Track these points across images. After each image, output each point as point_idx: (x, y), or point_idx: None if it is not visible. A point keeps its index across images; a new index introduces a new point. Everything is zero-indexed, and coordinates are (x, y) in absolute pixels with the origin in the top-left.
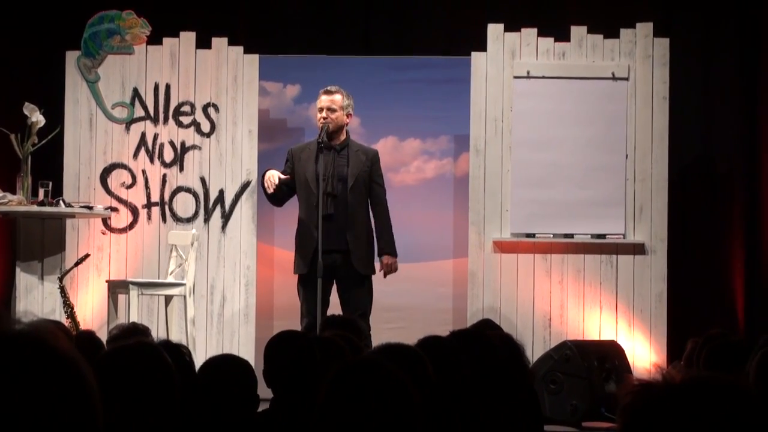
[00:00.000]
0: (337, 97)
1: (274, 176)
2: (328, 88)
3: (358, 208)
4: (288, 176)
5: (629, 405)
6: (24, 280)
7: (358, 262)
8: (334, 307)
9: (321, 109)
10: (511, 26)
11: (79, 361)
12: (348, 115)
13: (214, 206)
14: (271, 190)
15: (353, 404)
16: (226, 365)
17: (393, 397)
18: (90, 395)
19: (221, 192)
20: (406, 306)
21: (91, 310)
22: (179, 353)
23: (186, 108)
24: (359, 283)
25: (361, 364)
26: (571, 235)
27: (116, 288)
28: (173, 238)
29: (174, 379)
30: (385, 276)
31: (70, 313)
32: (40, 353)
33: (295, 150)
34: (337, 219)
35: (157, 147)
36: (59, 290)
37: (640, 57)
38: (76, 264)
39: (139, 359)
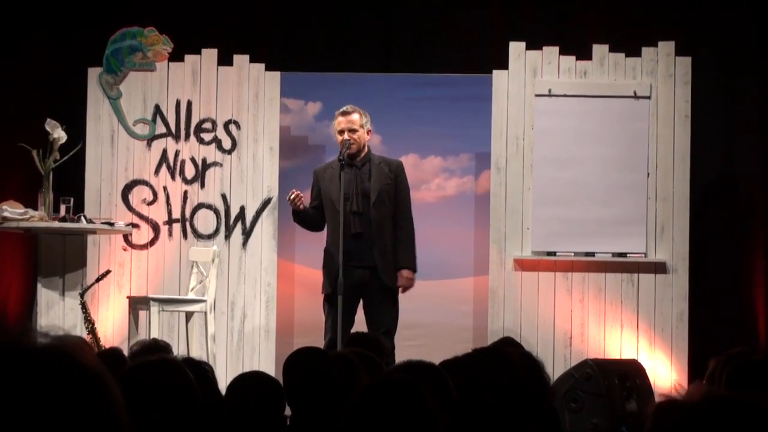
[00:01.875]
0: (355, 116)
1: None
2: (344, 108)
3: (383, 222)
4: (314, 203)
5: (654, 427)
6: (45, 296)
7: (385, 274)
8: (360, 326)
9: (342, 132)
10: (533, 44)
11: (106, 376)
12: (368, 132)
13: (235, 223)
14: (300, 207)
15: (379, 423)
16: (255, 383)
17: (419, 418)
18: (117, 410)
19: (242, 209)
20: (426, 323)
21: (111, 327)
22: (202, 371)
23: (207, 125)
24: (385, 298)
25: (389, 383)
26: (592, 254)
27: (137, 304)
28: (194, 254)
29: (196, 396)
30: (402, 291)
31: (91, 329)
32: (67, 367)
33: (318, 171)
34: (365, 235)
35: (179, 163)
36: (80, 306)
37: (662, 76)
38: (98, 280)
39: (161, 376)
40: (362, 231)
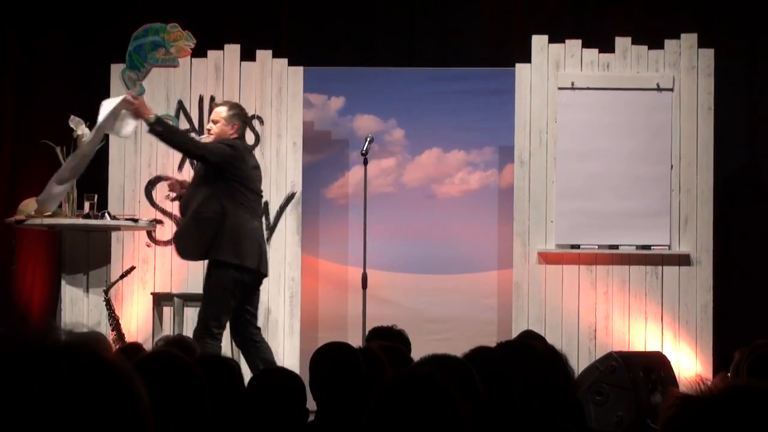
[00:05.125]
0: (220, 108)
1: None
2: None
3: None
4: None
5: (672, 417)
6: (69, 292)
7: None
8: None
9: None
10: (556, 38)
11: (130, 372)
12: (233, 126)
13: None
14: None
15: (403, 417)
16: (276, 378)
17: (443, 412)
18: (141, 405)
19: (266, 204)
20: (450, 317)
21: (136, 323)
22: (229, 367)
23: None
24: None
25: (412, 377)
26: (616, 246)
27: (161, 300)
28: None
29: (202, 386)
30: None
31: (116, 326)
32: (92, 364)
33: None
34: None
35: None
36: (104, 303)
37: (685, 68)
38: (122, 276)
39: (163, 369)
40: None
